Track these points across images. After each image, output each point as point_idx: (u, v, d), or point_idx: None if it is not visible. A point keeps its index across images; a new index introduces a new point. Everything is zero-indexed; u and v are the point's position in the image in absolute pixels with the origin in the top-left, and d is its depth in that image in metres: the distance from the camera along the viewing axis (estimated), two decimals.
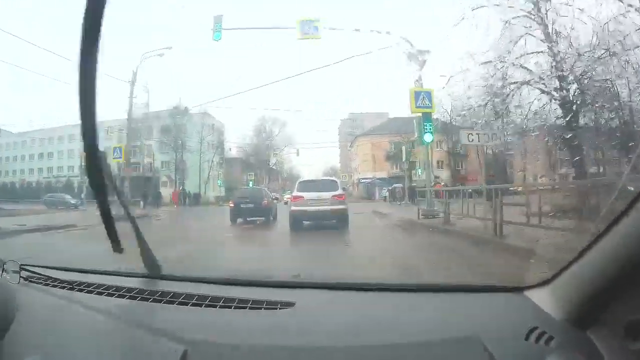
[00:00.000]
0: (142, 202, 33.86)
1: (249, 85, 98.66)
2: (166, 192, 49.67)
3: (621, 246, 1.09)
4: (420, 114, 15.79)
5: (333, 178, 17.12)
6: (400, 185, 38.14)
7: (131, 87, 23.46)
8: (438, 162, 46.63)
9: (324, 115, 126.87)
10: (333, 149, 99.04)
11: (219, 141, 59.76)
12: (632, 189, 1.28)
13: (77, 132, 1.75)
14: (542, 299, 1.48)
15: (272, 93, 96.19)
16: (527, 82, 13.39)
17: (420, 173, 29.34)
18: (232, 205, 17.27)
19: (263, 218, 17.04)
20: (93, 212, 3.71)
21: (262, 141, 64.58)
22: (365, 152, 56.35)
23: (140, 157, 55.26)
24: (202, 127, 54.23)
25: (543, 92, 13.17)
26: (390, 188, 38.78)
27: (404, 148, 28.43)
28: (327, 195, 12.84)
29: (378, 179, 51.86)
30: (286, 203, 35.75)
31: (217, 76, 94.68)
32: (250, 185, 54.61)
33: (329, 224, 12.77)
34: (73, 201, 38.33)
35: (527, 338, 1.26)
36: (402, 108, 63.03)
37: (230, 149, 66.99)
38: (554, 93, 12.86)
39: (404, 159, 27.59)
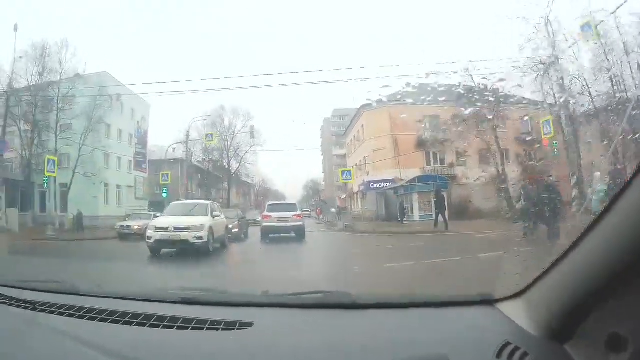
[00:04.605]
0: None
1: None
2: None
3: (599, 254, 1.03)
4: None
5: (293, 202, 20.85)
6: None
7: None
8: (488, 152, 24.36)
9: (304, 112, 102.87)
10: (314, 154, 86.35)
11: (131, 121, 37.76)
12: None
13: None
14: (515, 311, 1.42)
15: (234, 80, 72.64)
16: None
17: None
18: None
19: None
20: None
21: (220, 139, 43.24)
22: (379, 132, 30.56)
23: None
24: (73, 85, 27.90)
25: None
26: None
27: None
28: (288, 215, 16.32)
29: (414, 180, 25.79)
30: None
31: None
32: (164, 196, 29.80)
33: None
34: None
35: (499, 354, 1.19)
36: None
37: (174, 149, 43.52)
38: None
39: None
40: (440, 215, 18.64)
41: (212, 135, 32.86)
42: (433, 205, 20.06)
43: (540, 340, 1.21)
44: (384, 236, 17.72)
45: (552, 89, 21.71)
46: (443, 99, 23.85)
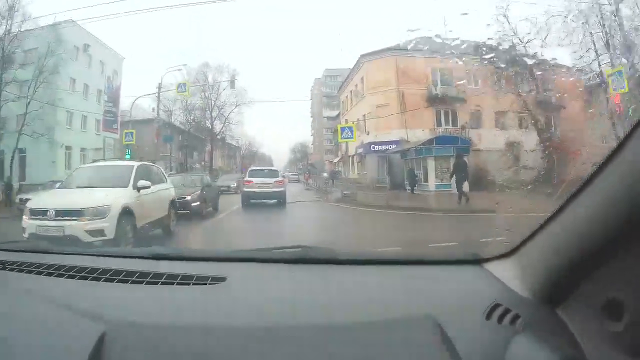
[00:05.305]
0: None
1: None
2: None
3: (597, 212, 0.93)
4: None
5: (275, 168, 20.14)
6: None
7: None
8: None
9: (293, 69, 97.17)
10: (303, 115, 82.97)
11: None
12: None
13: None
14: (505, 272, 1.33)
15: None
16: None
17: None
18: None
19: None
20: None
21: (203, 97, 41.07)
22: (383, 86, 26.00)
23: None
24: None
25: None
26: None
27: None
28: (270, 180, 16.11)
29: (430, 142, 21.20)
30: None
31: None
32: (127, 158, 25.15)
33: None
34: None
35: (488, 316, 1.12)
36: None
37: (153, 109, 38.89)
38: None
39: None
40: (458, 186, 15.18)
41: (185, 85, 27.21)
42: (455, 175, 15.62)
43: (531, 303, 1.14)
44: (406, 215, 12.88)
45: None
46: (464, 47, 19.30)
